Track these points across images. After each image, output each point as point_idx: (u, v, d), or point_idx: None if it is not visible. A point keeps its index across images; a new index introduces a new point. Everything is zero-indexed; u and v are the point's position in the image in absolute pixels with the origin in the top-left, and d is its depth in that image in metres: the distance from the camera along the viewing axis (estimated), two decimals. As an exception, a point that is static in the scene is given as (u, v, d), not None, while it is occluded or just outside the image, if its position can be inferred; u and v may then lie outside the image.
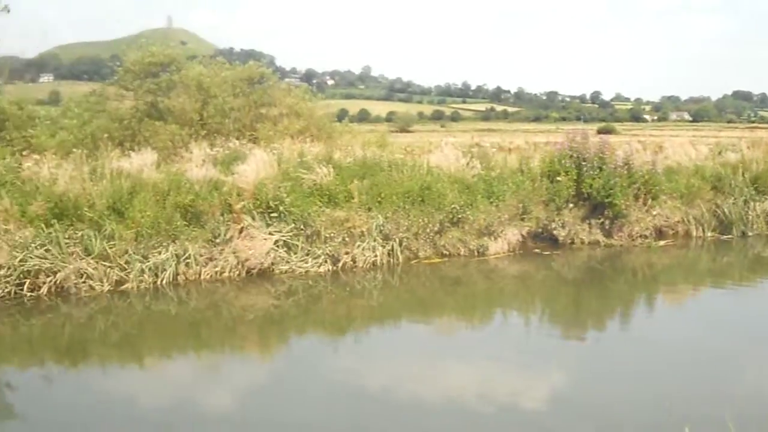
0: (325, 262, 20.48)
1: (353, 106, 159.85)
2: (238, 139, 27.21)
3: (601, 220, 24.15)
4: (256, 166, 21.46)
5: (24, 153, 24.13)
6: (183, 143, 27.10)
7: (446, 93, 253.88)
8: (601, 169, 24.26)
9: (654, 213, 24.84)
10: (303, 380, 13.47)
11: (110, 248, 18.67)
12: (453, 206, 22.10)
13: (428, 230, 21.57)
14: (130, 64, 32.34)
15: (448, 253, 22.01)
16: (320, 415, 11.74)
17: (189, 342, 16.38)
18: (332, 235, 20.59)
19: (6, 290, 17.96)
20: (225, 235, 19.82)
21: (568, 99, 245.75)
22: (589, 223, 24.15)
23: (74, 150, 22.82)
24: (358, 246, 20.83)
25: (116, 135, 28.40)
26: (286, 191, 20.83)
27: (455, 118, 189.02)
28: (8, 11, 30.49)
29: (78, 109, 31.73)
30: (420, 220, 21.51)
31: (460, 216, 22.14)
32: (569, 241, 23.86)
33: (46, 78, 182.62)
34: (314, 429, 11.27)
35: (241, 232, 19.98)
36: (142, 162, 21.50)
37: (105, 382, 13.96)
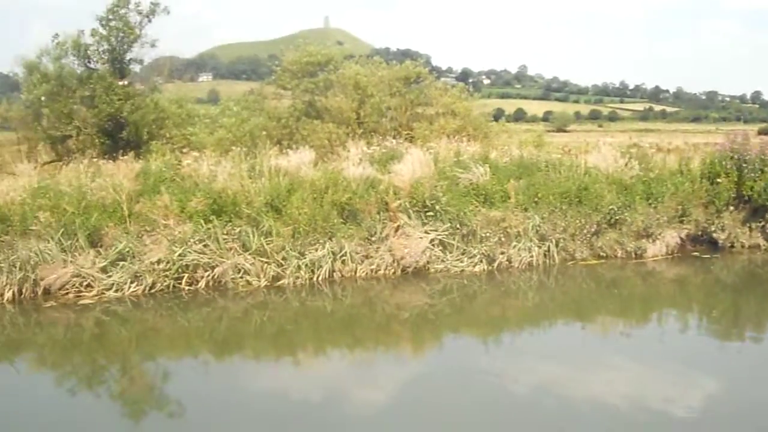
0: (481, 261, 20.24)
1: (509, 106, 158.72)
2: (394, 138, 27.17)
3: (762, 223, 23.12)
4: (412, 165, 21.36)
5: (183, 150, 24.63)
6: (340, 142, 27.23)
7: (603, 92, 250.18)
8: (762, 171, 23.21)
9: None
10: (454, 380, 13.28)
11: (267, 244, 18.87)
12: (611, 207, 21.58)
13: (585, 231, 21.09)
14: (288, 64, 32.75)
15: (604, 254, 21.48)
16: (468, 415, 11.53)
17: (343, 339, 16.33)
18: (488, 234, 20.32)
19: (165, 284, 18.34)
20: (381, 233, 19.79)
21: (728, 99, 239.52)
22: (750, 227, 23.15)
23: (233, 148, 23.17)
24: (514, 246, 20.52)
25: (274, 133, 28.76)
26: (442, 190, 20.67)
27: (613, 117, 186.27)
28: (168, 12, 31.30)
29: (236, 107, 32.31)
30: (577, 221, 21.06)
31: (617, 217, 21.59)
32: (729, 245, 22.93)
33: (205, 77, 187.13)
34: (461, 429, 11.07)
35: (397, 230, 19.92)
36: (299, 160, 21.65)
37: (259, 376, 14.09)
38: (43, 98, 31.11)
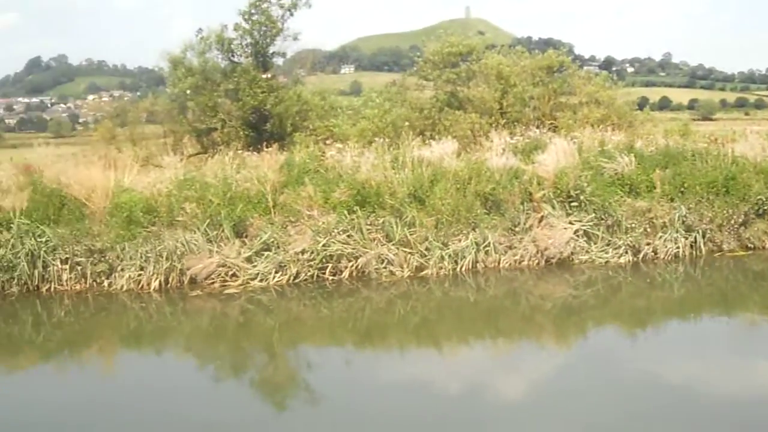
0: (626, 252, 19.83)
1: (654, 94, 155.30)
2: (537, 127, 26.82)
3: None
4: (556, 155, 21.06)
5: (327, 142, 24.83)
6: (483, 132, 27.03)
7: (750, 80, 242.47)
8: None
9: None
10: (598, 372, 13.11)
11: (411, 235, 18.88)
12: (759, 197, 20.83)
13: (732, 222, 20.43)
14: (430, 55, 32.69)
15: (752, 245, 20.75)
16: (612, 408, 11.34)
17: (486, 330, 16.28)
18: (633, 225, 19.92)
19: (309, 273, 18.53)
20: (525, 224, 19.58)
21: None
22: None
23: (375, 139, 23.22)
24: (660, 237, 20.04)
25: (417, 124, 28.72)
26: (587, 180, 20.32)
27: (759, 105, 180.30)
28: (310, 6, 31.58)
29: (379, 98, 32.36)
30: (724, 212, 20.42)
31: (766, 207, 20.83)
32: None
33: (347, 69, 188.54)
34: (601, 422, 10.89)
35: (540, 221, 19.69)
36: (442, 151, 21.56)
37: (402, 366, 14.10)
38: (188, 92, 31.81)
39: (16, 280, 18.63)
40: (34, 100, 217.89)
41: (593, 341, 15.58)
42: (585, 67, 42.66)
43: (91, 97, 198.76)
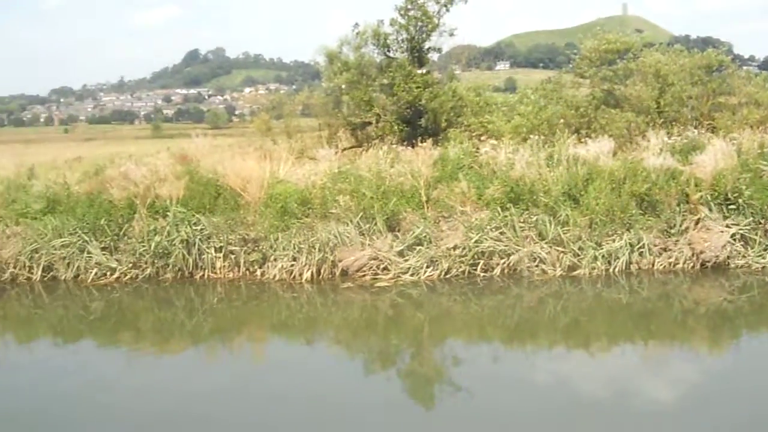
0: (786, 258, 19.27)
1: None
2: (695, 128, 26.29)
3: None
4: (714, 157, 20.59)
5: (481, 138, 24.84)
6: (639, 131, 26.62)
7: None
8: None
9: None
10: (748, 380, 12.79)
11: (564, 234, 18.79)
12: None
13: None
14: (587, 52, 32.31)
15: None
16: (762, 417, 11.07)
17: (637, 332, 16.08)
18: (793, 230, 19.33)
19: (460, 269, 18.65)
20: (680, 226, 19.25)
21: None
22: None
23: (530, 136, 23.12)
24: (822, 243, 19.41)
25: (572, 122, 28.44)
26: (746, 183, 19.81)
27: None
28: (466, 1, 31.55)
29: (534, 96, 32.15)
30: None
31: None
32: None
33: (502, 65, 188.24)
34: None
35: (697, 223, 19.32)
36: (598, 149, 21.31)
37: (550, 366, 14.05)
38: (343, 86, 32.19)
39: (170, 267, 19.45)
40: (192, 91, 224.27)
41: (747, 348, 15.26)
42: (744, 67, 41.61)
43: (247, 89, 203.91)
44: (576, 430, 10.89)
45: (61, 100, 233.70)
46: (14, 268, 20.14)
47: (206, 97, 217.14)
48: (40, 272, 20.01)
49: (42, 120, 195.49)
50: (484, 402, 11.98)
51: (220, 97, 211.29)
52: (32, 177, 23.42)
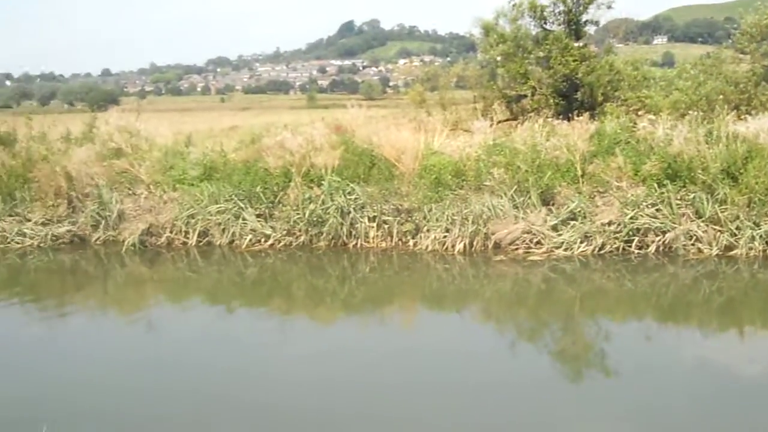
0: None
1: None
2: None
3: None
4: None
5: (638, 113, 24.47)
6: (802, 108, 25.80)
7: None
8: None
9: None
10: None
11: (721, 212, 18.34)
12: None
13: None
14: (747, 27, 31.38)
15: None
16: None
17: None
18: None
19: (614, 246, 18.48)
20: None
21: None
22: None
23: (689, 112, 22.68)
24: None
25: (731, 98, 27.74)
26: None
27: None
28: None
29: (693, 71, 31.48)
30: None
31: None
32: None
33: (659, 40, 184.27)
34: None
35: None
36: (758, 127, 20.70)
37: (702, 347, 13.81)
38: (498, 58, 32.21)
39: (324, 235, 19.85)
40: (346, 62, 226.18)
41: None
42: None
43: (402, 61, 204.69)
44: (729, 414, 10.62)
45: (218, 69, 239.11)
46: (170, 232, 20.92)
47: (360, 68, 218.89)
48: (195, 237, 20.71)
49: (199, 89, 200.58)
50: (633, 380, 11.86)
51: (374, 69, 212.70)
52: (189, 145, 24.20)
